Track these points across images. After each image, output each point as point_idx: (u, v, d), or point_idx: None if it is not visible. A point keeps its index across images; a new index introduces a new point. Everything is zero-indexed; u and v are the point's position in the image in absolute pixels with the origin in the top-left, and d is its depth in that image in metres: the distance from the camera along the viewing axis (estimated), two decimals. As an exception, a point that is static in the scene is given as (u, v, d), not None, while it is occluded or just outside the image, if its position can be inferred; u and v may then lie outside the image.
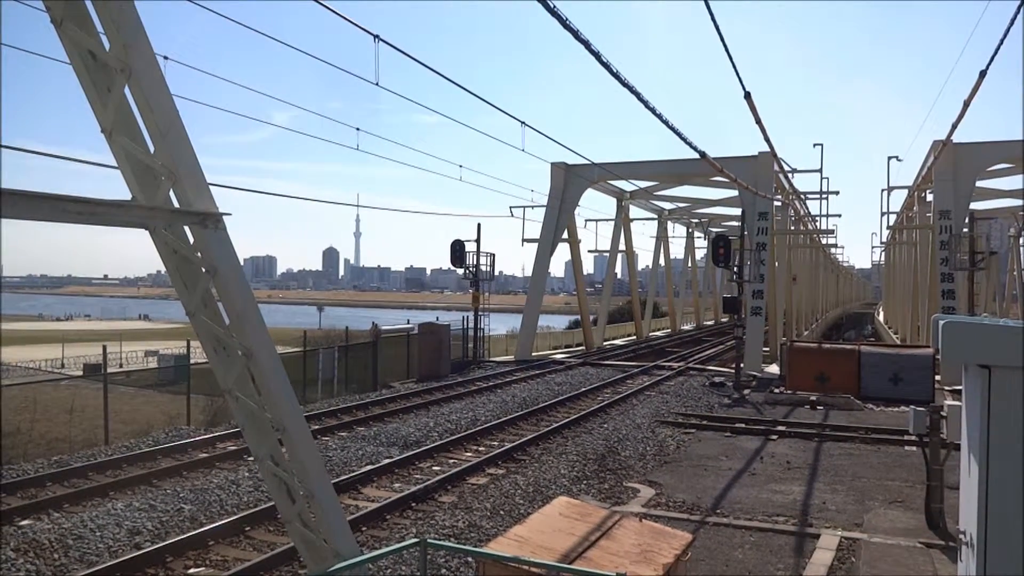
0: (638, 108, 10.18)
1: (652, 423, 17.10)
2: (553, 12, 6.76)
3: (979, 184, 31.02)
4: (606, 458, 13.66)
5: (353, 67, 12.68)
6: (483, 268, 30.03)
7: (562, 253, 35.82)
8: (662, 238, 47.86)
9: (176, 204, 5.60)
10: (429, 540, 5.63)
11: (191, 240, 5.73)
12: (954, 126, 17.01)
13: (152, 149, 5.51)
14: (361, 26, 9.70)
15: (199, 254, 5.72)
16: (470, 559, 8.23)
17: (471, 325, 29.80)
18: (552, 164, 33.74)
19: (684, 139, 12.71)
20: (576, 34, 7.41)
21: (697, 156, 14.66)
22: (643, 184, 36.86)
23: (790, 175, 34.11)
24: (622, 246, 40.93)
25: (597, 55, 8.08)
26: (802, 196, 39.13)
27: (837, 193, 37.88)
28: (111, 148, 5.48)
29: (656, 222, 47.62)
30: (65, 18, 5.15)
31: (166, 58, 11.66)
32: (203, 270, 5.73)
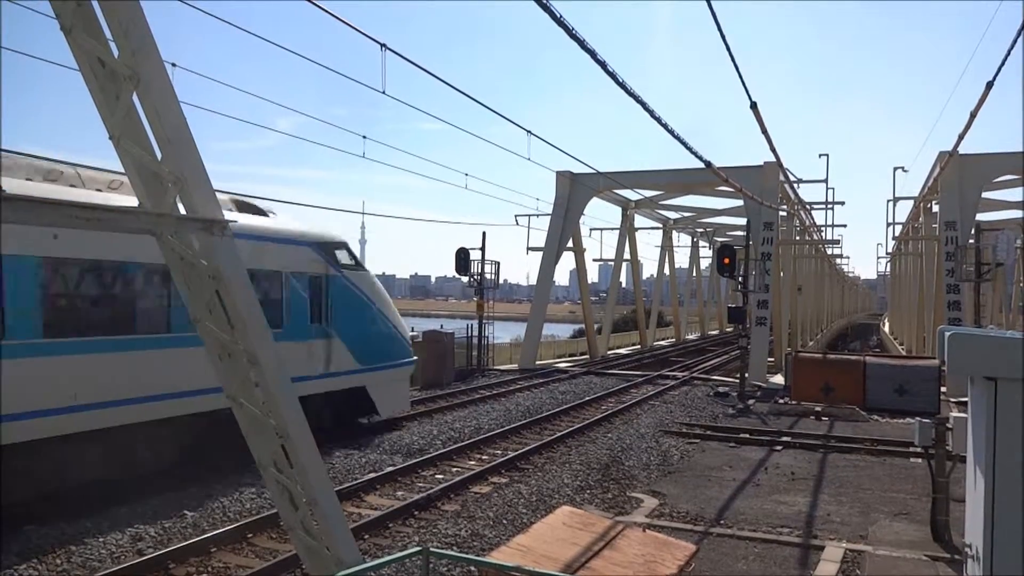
0: (644, 116, 10.20)
1: (656, 433, 17.05)
2: (560, 22, 6.79)
3: (985, 195, 30.96)
4: (610, 468, 13.62)
5: (358, 74, 12.74)
6: (487, 276, 30.05)
7: (567, 262, 35.92)
8: (667, 247, 47.84)
9: (182, 210, 5.63)
10: (431, 549, 5.62)
11: (197, 246, 5.75)
12: (960, 137, 16.99)
13: (159, 156, 5.54)
14: (368, 35, 9.75)
15: (204, 261, 5.74)
16: (472, 568, 8.20)
17: (475, 333, 29.78)
18: (557, 173, 33.78)
19: (690, 149, 12.73)
20: (582, 44, 7.44)
21: (703, 166, 14.68)
22: (648, 193, 36.88)
23: (795, 185, 34.10)
24: (627, 255, 40.93)
25: (603, 64, 8.10)
26: (807, 206, 39.10)
27: (843, 203, 37.98)
28: (119, 154, 5.52)
29: (661, 231, 47.63)
30: (75, 25, 5.19)
31: (174, 65, 11.74)
32: (208, 276, 5.74)
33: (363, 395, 15.79)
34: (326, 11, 8.65)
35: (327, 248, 15.11)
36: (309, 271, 14.53)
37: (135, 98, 5.41)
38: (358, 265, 16.11)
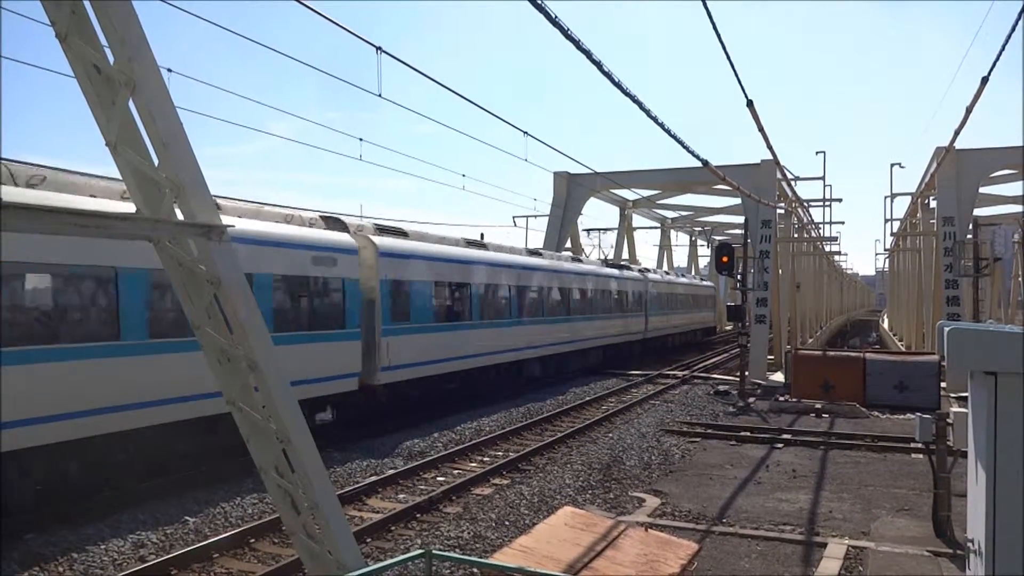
0: (641, 114, 10.21)
1: (657, 432, 17.05)
2: (556, 23, 6.79)
3: (982, 190, 31.00)
4: (611, 468, 13.61)
5: (353, 76, 12.81)
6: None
7: (565, 262, 35.87)
8: (665, 247, 47.86)
9: (180, 216, 5.62)
10: (434, 551, 5.62)
11: (195, 252, 5.74)
12: (956, 132, 17.00)
13: (156, 161, 5.53)
14: (364, 38, 9.75)
15: (202, 266, 5.73)
16: (475, 570, 8.20)
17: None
18: (555, 173, 33.80)
19: (686, 147, 12.73)
20: (578, 44, 7.44)
21: (700, 164, 14.68)
22: (646, 193, 36.89)
23: (793, 183, 34.13)
24: (625, 254, 40.93)
25: (599, 64, 8.10)
26: (805, 204, 39.13)
27: (840, 200, 38.00)
28: (115, 161, 5.51)
29: (659, 231, 47.62)
30: (70, 32, 5.18)
31: (170, 70, 11.75)
32: (207, 282, 5.74)
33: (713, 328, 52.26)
34: (321, 15, 8.66)
35: (711, 288, 51.74)
36: (711, 293, 51.49)
37: (131, 104, 5.40)
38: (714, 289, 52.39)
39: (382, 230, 17.49)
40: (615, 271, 32.60)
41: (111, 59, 5.33)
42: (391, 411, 17.05)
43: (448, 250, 19.55)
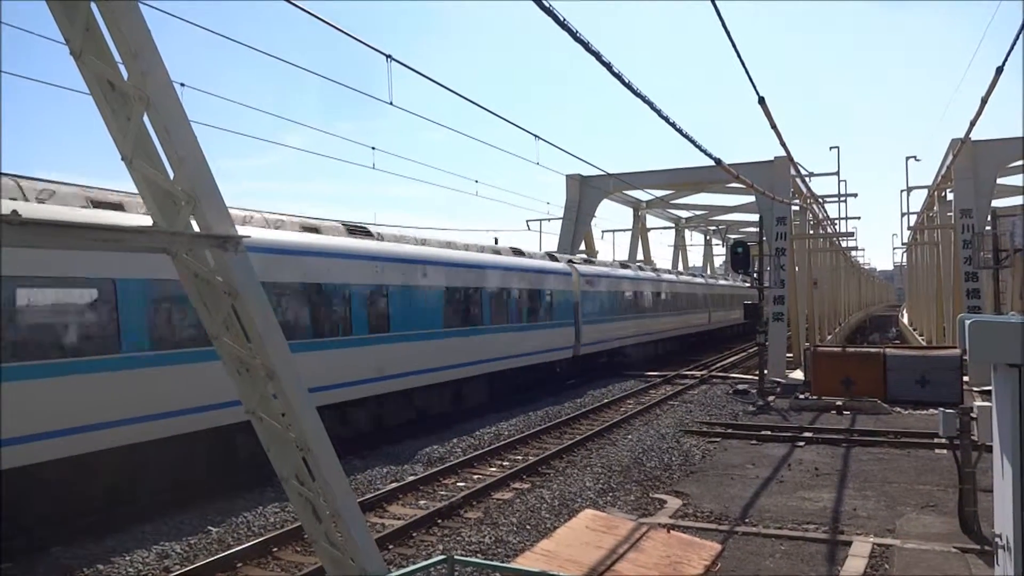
0: (649, 116, 10.20)
1: (676, 433, 16.97)
2: (564, 26, 6.79)
3: (1000, 181, 30.66)
4: (631, 469, 13.57)
5: (364, 84, 12.87)
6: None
7: (580, 265, 35.84)
8: (680, 246, 47.69)
9: (196, 228, 5.66)
10: (456, 556, 5.62)
11: (211, 263, 5.78)
12: (972, 124, 16.82)
13: (171, 175, 5.58)
14: (374, 47, 9.79)
15: (219, 277, 5.77)
16: (497, 575, 8.19)
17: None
18: (567, 176, 33.79)
19: (699, 147, 12.67)
20: (587, 46, 7.43)
21: (712, 163, 14.61)
22: (659, 193, 36.78)
23: (807, 179, 33.90)
24: (640, 256, 40.83)
25: (608, 66, 8.09)
26: (820, 200, 38.85)
27: (855, 195, 37.87)
28: (131, 175, 5.56)
29: (673, 230, 47.47)
30: (84, 49, 5.24)
31: (183, 85, 11.87)
32: (224, 292, 5.77)
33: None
34: (331, 25, 8.71)
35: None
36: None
37: (146, 119, 5.45)
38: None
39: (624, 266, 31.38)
40: None
41: (125, 75, 5.39)
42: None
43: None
